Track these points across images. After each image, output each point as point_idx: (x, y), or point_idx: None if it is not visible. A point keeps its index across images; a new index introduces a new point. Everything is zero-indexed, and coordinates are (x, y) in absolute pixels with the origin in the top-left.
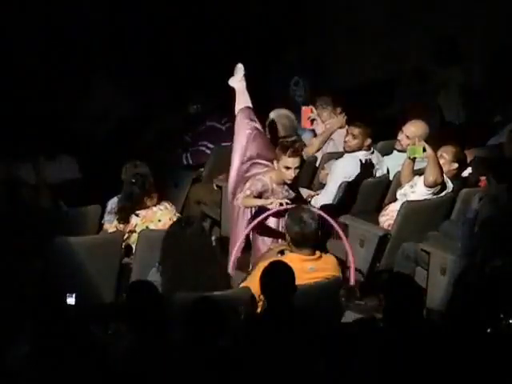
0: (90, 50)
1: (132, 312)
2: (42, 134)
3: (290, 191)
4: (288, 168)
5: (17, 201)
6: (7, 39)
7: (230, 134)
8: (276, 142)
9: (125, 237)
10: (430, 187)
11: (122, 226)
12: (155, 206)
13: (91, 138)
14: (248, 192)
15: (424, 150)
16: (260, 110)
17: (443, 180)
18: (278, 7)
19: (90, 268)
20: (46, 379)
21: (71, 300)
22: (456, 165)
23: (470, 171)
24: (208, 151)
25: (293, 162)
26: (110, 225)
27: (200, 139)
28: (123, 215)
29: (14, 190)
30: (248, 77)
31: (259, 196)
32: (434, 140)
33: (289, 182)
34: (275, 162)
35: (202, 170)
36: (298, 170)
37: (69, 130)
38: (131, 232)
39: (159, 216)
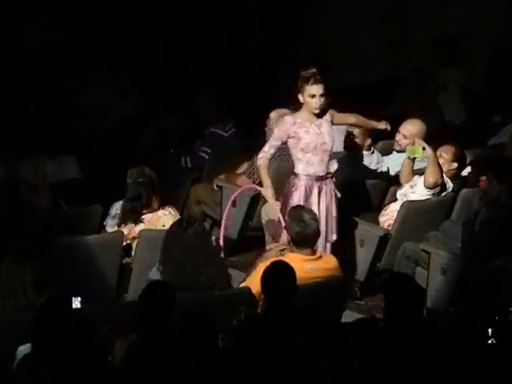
0: (90, 49)
1: (146, 312)
2: (43, 134)
3: (322, 127)
4: (313, 96)
5: (17, 201)
6: (7, 38)
7: (233, 141)
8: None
9: (127, 242)
10: (431, 188)
11: (125, 231)
12: (159, 210)
13: (91, 137)
14: (269, 147)
15: (424, 149)
16: (264, 109)
17: (443, 181)
18: (281, 7)
19: (90, 268)
20: (46, 379)
21: (76, 303)
22: (455, 164)
23: (469, 170)
24: (207, 157)
25: (317, 88)
26: (113, 229)
27: (201, 144)
28: (133, 216)
29: (13, 189)
30: (254, 76)
31: (289, 136)
32: (434, 140)
33: (316, 110)
34: (299, 95)
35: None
36: (323, 99)
37: (69, 129)
38: (134, 239)
39: (163, 221)
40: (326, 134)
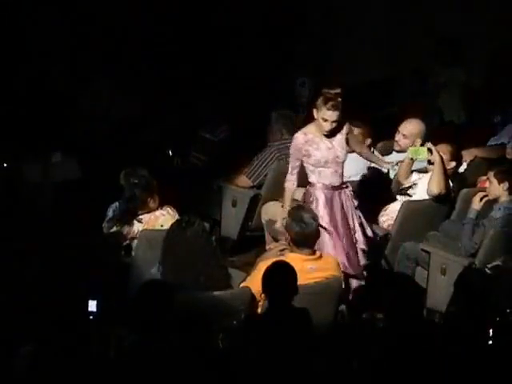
0: (90, 49)
1: (144, 312)
2: (43, 134)
3: (334, 141)
4: (326, 120)
5: (17, 201)
6: (8, 41)
7: (222, 146)
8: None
9: (126, 243)
10: (433, 196)
11: (125, 231)
12: (157, 210)
13: (92, 137)
14: (291, 169)
15: (430, 150)
16: (264, 110)
17: (448, 188)
18: (282, 7)
19: (89, 268)
20: (47, 379)
21: (92, 305)
22: (453, 163)
23: (466, 167)
24: (198, 162)
25: (331, 115)
26: (111, 231)
27: (192, 149)
28: (128, 218)
29: (15, 189)
30: (254, 76)
31: (302, 155)
32: (434, 139)
33: (325, 133)
34: (315, 111)
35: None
36: (335, 124)
37: (69, 130)
38: (133, 239)
39: (161, 222)
40: (337, 147)
